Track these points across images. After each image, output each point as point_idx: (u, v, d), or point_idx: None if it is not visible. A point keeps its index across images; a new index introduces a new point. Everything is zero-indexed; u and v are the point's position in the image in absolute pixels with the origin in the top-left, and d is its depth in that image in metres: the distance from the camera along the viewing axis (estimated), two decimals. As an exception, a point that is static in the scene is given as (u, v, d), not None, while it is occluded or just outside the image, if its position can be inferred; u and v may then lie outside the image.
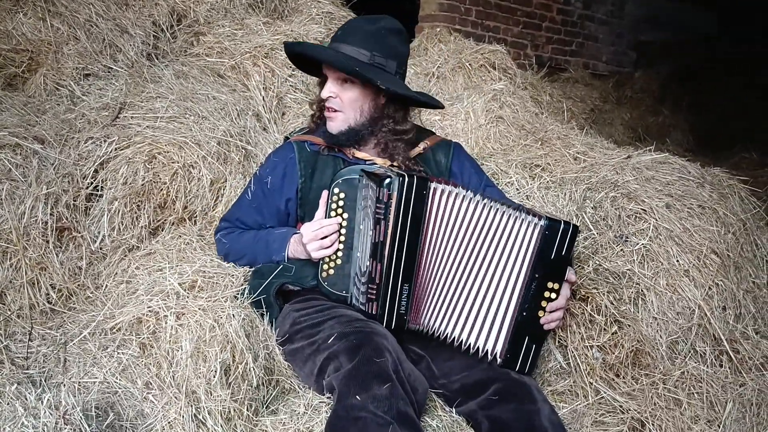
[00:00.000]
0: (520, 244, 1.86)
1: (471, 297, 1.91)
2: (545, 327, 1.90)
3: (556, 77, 6.19)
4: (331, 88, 2.04)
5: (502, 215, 1.88)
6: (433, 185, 1.87)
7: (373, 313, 1.91)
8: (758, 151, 5.70)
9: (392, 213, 1.84)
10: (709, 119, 6.46)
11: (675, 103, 6.63)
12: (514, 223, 1.87)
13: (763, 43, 7.13)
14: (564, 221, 1.84)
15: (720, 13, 7.85)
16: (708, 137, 6.23)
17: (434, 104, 2.18)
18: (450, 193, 1.89)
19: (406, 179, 1.83)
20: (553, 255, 1.83)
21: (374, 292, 1.89)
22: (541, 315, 1.88)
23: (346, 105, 2.04)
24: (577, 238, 1.89)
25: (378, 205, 1.85)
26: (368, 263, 1.89)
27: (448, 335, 1.92)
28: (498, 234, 1.88)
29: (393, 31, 2.08)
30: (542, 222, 1.84)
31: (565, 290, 1.92)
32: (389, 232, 1.85)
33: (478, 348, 1.90)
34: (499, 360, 1.89)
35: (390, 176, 1.85)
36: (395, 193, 1.83)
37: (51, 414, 1.37)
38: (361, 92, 2.03)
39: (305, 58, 2.12)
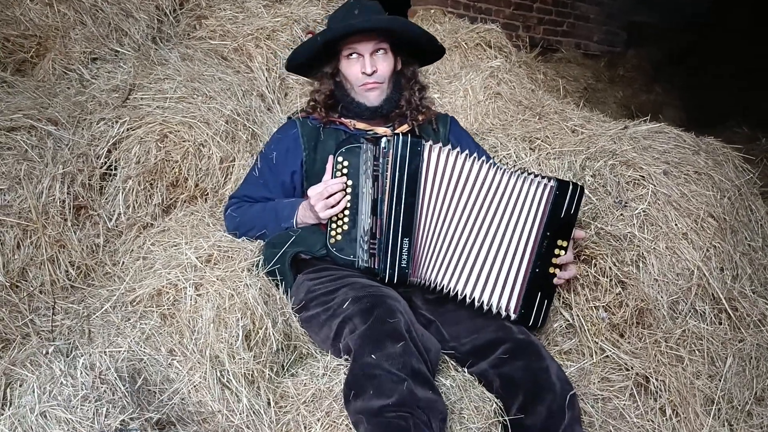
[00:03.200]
0: (530, 204, 1.95)
1: (480, 254, 1.98)
2: (557, 281, 1.98)
3: (549, 57, 6.24)
4: (373, 63, 2.11)
5: (510, 176, 1.96)
6: (427, 143, 1.96)
7: (375, 267, 1.98)
8: (749, 125, 5.79)
9: (389, 169, 1.93)
10: (701, 98, 6.53)
11: (668, 81, 6.70)
12: (523, 183, 1.96)
13: (754, 32, 7.21)
14: (572, 182, 1.94)
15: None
16: (700, 114, 6.30)
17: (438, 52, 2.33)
18: (446, 150, 1.97)
19: (401, 137, 1.93)
20: (563, 214, 1.92)
21: (375, 246, 1.97)
22: (552, 272, 1.96)
23: (386, 74, 2.14)
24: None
25: (375, 163, 1.95)
26: (369, 220, 1.98)
27: (459, 292, 1.99)
28: (507, 194, 1.96)
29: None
30: (552, 183, 1.93)
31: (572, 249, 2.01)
32: (387, 188, 1.94)
33: (491, 305, 1.97)
34: (513, 316, 1.96)
35: (387, 136, 1.95)
36: (391, 150, 1.92)
37: (87, 374, 1.43)
38: (391, 60, 2.15)
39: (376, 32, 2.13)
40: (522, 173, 1.98)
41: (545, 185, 1.95)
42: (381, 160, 1.93)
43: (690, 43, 7.36)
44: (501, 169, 1.98)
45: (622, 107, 6.06)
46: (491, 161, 2.01)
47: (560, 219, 1.93)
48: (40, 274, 2.09)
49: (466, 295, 1.99)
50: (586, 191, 2.40)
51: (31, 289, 2.05)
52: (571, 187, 1.93)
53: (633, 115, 5.88)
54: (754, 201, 2.82)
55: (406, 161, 1.93)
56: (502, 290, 1.98)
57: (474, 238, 1.99)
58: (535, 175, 1.97)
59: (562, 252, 1.96)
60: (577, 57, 6.61)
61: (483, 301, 1.98)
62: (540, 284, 1.95)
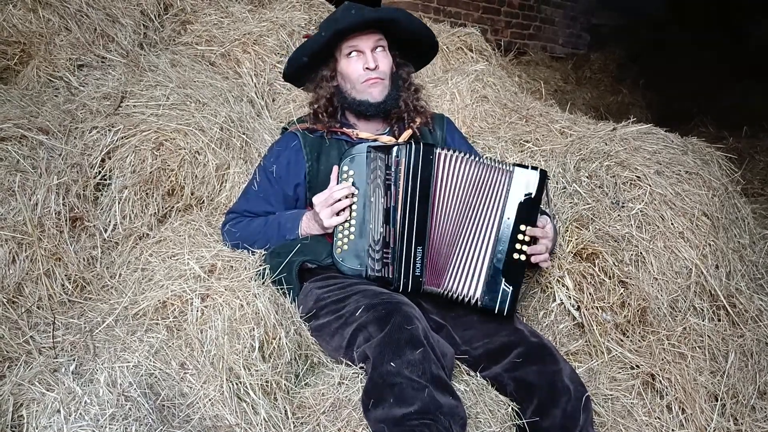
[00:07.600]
0: (496, 193, 1.96)
1: (466, 251, 1.99)
2: (532, 260, 1.98)
3: (519, 60, 6.31)
4: (375, 58, 2.10)
5: (486, 169, 1.97)
6: (438, 150, 1.95)
7: (389, 276, 1.97)
8: (713, 124, 5.93)
9: (402, 178, 1.92)
10: (665, 96, 6.67)
11: (633, 82, 6.83)
12: (493, 174, 1.97)
13: (707, 26, 7.41)
14: (532, 166, 1.95)
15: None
16: (666, 113, 6.43)
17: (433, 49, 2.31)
18: (455, 157, 1.96)
19: (413, 146, 1.92)
20: (523, 199, 1.94)
21: (389, 255, 1.96)
22: (516, 257, 1.96)
23: (387, 70, 2.13)
24: (547, 184, 2.03)
25: (387, 172, 1.93)
26: (381, 229, 1.96)
27: (453, 292, 2.00)
28: (484, 188, 1.97)
29: None
30: (511, 169, 1.95)
31: (543, 232, 2.00)
32: (400, 197, 1.93)
33: (463, 295, 1.98)
34: (479, 303, 1.97)
35: (398, 144, 1.95)
36: (403, 159, 1.92)
37: (110, 391, 1.38)
38: (390, 57, 2.15)
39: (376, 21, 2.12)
40: (496, 163, 1.98)
41: (506, 171, 1.96)
42: (393, 169, 1.93)
43: (647, 41, 7.53)
44: (484, 164, 1.98)
45: (591, 109, 6.15)
46: (479, 159, 2.00)
47: (520, 203, 1.94)
48: (36, 289, 2.01)
49: (452, 292, 1.99)
50: (583, 192, 2.44)
51: (29, 304, 1.98)
52: (530, 171, 1.94)
53: (602, 116, 5.99)
54: (739, 199, 2.88)
55: (419, 169, 1.92)
56: (471, 279, 1.98)
57: (465, 239, 2.00)
58: (506, 164, 1.98)
59: (527, 237, 1.96)
60: (544, 59, 6.71)
61: (457, 292, 1.99)
62: (503, 270, 1.95)
